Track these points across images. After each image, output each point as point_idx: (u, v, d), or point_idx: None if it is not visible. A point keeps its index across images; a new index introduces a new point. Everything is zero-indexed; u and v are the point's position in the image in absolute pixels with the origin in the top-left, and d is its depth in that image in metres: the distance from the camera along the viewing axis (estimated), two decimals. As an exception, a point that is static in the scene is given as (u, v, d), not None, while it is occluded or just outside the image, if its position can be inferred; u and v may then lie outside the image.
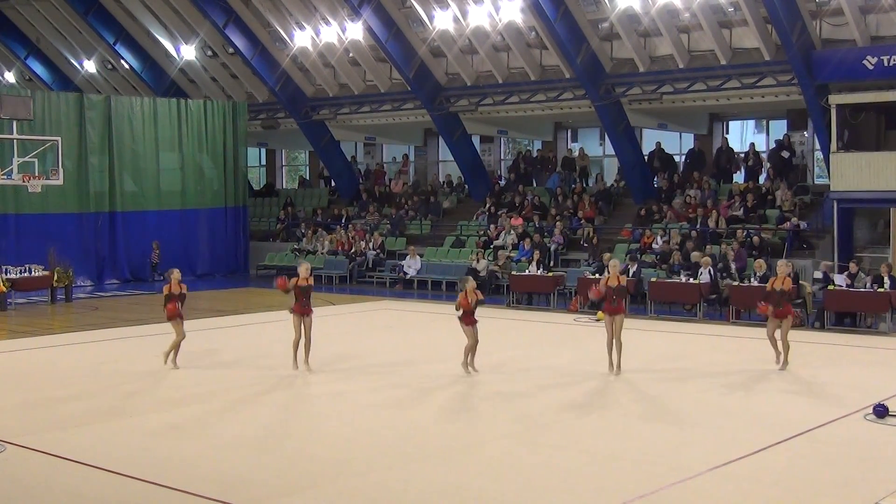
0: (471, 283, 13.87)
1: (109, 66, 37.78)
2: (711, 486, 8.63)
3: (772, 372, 14.01)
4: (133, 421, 11.15)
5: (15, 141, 23.10)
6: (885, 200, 21.70)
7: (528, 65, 27.33)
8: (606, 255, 22.25)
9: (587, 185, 29.28)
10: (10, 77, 40.14)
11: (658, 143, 28.50)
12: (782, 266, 14.28)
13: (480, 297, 13.70)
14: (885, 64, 21.35)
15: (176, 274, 14.55)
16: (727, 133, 28.84)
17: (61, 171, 23.38)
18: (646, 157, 28.23)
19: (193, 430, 10.74)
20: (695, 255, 20.82)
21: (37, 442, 10.07)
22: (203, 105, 30.89)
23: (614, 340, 13.66)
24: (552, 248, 25.44)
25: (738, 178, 27.23)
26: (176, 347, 14.28)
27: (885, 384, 12.98)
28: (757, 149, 27.20)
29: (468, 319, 13.62)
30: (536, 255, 23.43)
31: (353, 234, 29.83)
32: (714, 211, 24.59)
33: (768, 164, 26.44)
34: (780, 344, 13.94)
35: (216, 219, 30.95)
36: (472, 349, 13.72)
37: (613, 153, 28.39)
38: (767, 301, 13.91)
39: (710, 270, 20.51)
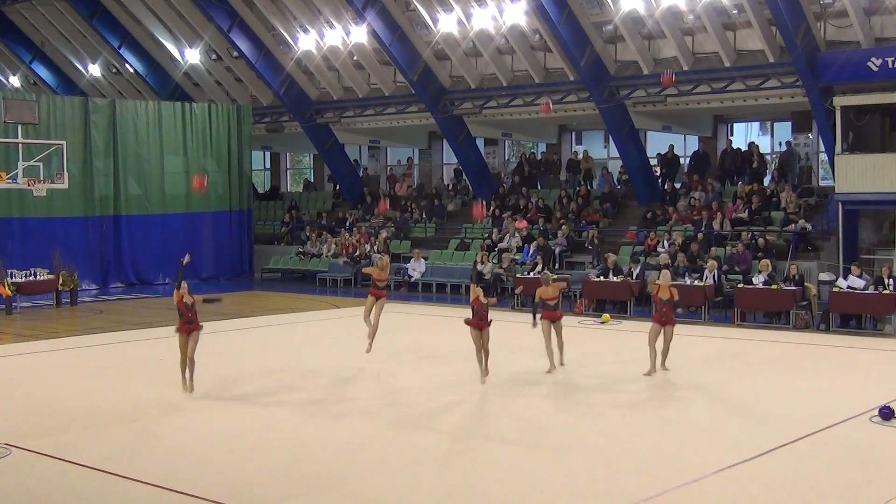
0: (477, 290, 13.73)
1: (114, 70, 37.84)
2: (716, 488, 8.62)
3: (776, 374, 14.00)
4: (138, 424, 11.16)
5: (20, 145, 23.18)
6: (891, 202, 21.63)
7: (531, 67, 27.32)
8: (610, 257, 22.25)
9: (592, 187, 29.28)
10: (15, 81, 40.23)
11: (666, 150, 28.44)
12: (665, 276, 14.63)
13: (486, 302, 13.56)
14: (890, 65, 21.32)
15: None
16: (731, 135, 28.82)
17: (66, 174, 23.40)
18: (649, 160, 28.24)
19: (198, 434, 10.76)
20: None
21: (42, 445, 10.08)
22: (207, 109, 30.92)
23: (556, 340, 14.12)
24: (556, 250, 25.43)
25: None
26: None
27: (890, 386, 12.94)
28: (762, 151, 27.16)
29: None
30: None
31: (358, 236, 29.83)
32: (719, 213, 24.56)
33: (773, 167, 26.42)
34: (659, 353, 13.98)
35: (221, 222, 30.95)
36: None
37: (618, 155, 28.37)
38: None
39: (714, 273, 20.49)
